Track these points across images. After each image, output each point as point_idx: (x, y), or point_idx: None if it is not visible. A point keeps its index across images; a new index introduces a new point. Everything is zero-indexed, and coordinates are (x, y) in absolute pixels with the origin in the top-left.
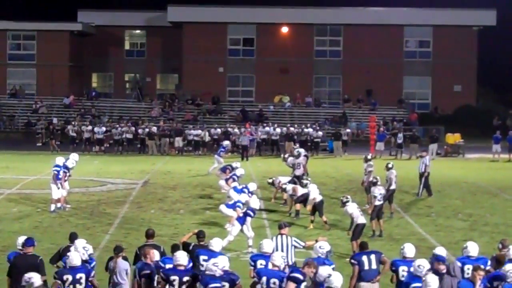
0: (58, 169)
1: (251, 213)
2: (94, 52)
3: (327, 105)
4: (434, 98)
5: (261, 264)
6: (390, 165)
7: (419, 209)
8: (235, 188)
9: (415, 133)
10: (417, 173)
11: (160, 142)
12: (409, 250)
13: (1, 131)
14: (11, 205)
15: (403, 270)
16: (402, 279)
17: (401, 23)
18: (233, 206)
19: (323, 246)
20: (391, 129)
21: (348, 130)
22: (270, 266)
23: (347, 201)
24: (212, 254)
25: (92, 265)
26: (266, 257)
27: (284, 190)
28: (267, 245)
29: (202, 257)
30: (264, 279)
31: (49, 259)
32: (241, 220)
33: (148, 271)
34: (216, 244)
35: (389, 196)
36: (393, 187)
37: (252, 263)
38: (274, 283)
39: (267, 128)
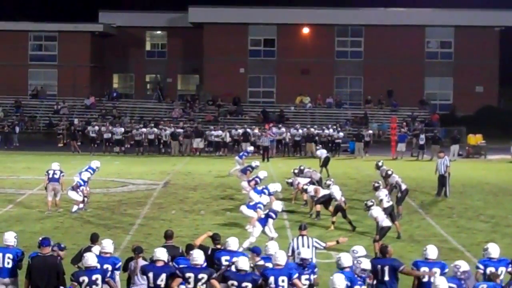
0: (82, 183)
1: (273, 215)
2: (115, 53)
3: (348, 106)
4: (456, 99)
5: (266, 267)
6: (390, 172)
7: (440, 210)
8: (255, 189)
9: (437, 134)
10: (437, 175)
11: (182, 143)
12: (432, 251)
13: (23, 132)
14: (32, 205)
15: (424, 271)
16: (424, 280)
17: (423, 24)
18: (254, 207)
19: (356, 251)
20: (413, 130)
21: (370, 131)
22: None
23: (372, 205)
24: (233, 254)
25: (117, 265)
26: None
27: (305, 191)
28: (273, 248)
29: (224, 258)
30: (271, 279)
31: (70, 260)
32: (263, 221)
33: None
34: (233, 243)
35: (403, 198)
36: (404, 187)
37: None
38: (283, 280)
39: (282, 129)
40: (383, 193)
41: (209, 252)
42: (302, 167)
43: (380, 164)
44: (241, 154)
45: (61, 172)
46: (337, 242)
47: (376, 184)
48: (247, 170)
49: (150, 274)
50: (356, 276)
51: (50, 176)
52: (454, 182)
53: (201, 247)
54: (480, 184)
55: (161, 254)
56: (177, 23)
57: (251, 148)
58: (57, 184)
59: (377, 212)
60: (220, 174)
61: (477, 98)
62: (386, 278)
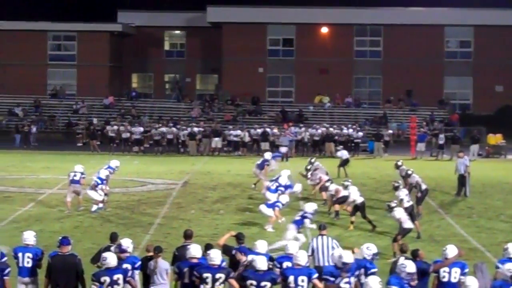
0: (100, 181)
1: (310, 216)
2: (134, 52)
3: (367, 106)
4: (475, 99)
5: (287, 266)
6: (409, 172)
7: (460, 210)
8: (269, 189)
9: (456, 133)
10: (457, 174)
11: (200, 143)
12: (451, 251)
13: (42, 131)
14: (52, 204)
15: (444, 271)
16: (443, 280)
17: (442, 23)
18: (273, 206)
19: (370, 248)
20: (432, 129)
21: (390, 131)
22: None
23: (395, 206)
24: (259, 255)
25: (137, 264)
26: (292, 258)
27: (325, 189)
28: (293, 247)
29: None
30: (291, 278)
31: (90, 259)
32: (298, 223)
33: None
34: (261, 246)
35: (423, 197)
36: (424, 187)
37: (278, 265)
38: (302, 280)
39: (298, 129)
40: (403, 193)
41: (233, 252)
42: (312, 160)
43: (399, 163)
44: (273, 155)
45: (82, 174)
46: (353, 252)
47: (396, 184)
48: (265, 164)
49: (186, 270)
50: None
51: (71, 178)
52: (474, 182)
53: (225, 246)
54: (500, 184)
55: (196, 251)
56: (196, 22)
57: (284, 150)
58: (78, 186)
59: (400, 213)
60: (239, 173)
61: (497, 98)
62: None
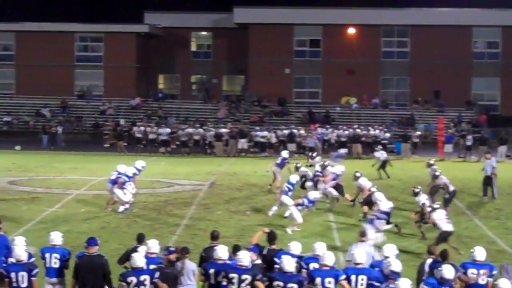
0: (127, 179)
1: (385, 216)
2: (161, 53)
3: (394, 107)
4: (503, 99)
5: (313, 267)
6: (437, 173)
7: (488, 212)
8: (286, 193)
9: (484, 135)
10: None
11: (227, 144)
12: (480, 253)
13: (69, 132)
14: (79, 205)
15: (472, 273)
16: (471, 283)
17: (469, 24)
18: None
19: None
20: (460, 131)
21: (418, 132)
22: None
23: (437, 208)
24: (293, 256)
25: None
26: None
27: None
28: (320, 249)
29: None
30: (318, 280)
31: (117, 260)
32: (371, 222)
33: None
34: (295, 247)
35: (450, 199)
36: (452, 188)
37: (305, 266)
38: (329, 282)
39: (325, 130)
40: (423, 197)
41: (265, 252)
42: (326, 163)
43: (431, 162)
44: (334, 155)
45: (119, 173)
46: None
47: (416, 190)
48: (284, 163)
49: (211, 271)
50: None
51: (110, 177)
52: (501, 183)
53: (257, 246)
54: None
55: (222, 253)
56: (223, 23)
57: (344, 150)
58: (110, 185)
59: (439, 215)
60: (265, 174)
61: None
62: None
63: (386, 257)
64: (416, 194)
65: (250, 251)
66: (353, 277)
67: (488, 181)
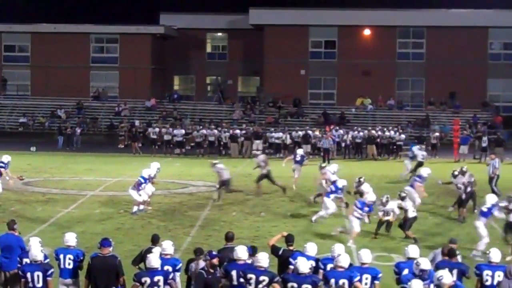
0: (143, 180)
1: (496, 211)
2: (176, 54)
3: (409, 108)
4: None
5: (330, 268)
6: (456, 173)
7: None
8: (327, 194)
9: (500, 136)
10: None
11: (242, 145)
12: (495, 254)
13: (84, 133)
14: (94, 206)
15: (487, 275)
16: (486, 283)
17: (486, 25)
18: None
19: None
20: (475, 132)
21: (437, 134)
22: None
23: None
24: (308, 258)
25: (178, 267)
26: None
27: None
28: (338, 249)
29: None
30: (332, 281)
31: (131, 261)
32: (486, 214)
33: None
34: (311, 249)
35: (467, 200)
36: (469, 189)
37: (322, 267)
38: (343, 283)
39: (340, 132)
40: (409, 204)
41: (281, 252)
42: (361, 179)
43: (464, 169)
44: (299, 160)
45: (143, 177)
46: None
47: (403, 194)
48: (304, 159)
49: (234, 273)
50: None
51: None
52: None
53: (273, 247)
54: None
55: (242, 253)
56: (238, 25)
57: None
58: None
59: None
60: (280, 175)
61: None
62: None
63: (412, 258)
64: (402, 199)
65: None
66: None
67: (489, 181)
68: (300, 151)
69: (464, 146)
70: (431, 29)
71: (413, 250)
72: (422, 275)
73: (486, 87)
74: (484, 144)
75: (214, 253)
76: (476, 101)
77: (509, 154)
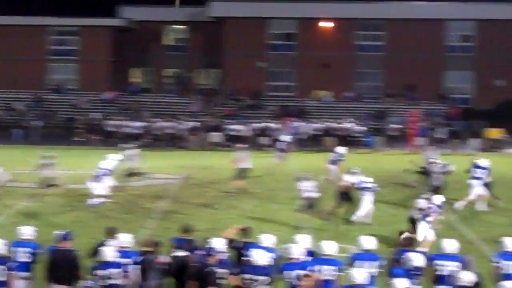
0: (101, 173)
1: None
2: (135, 47)
3: (368, 100)
4: (476, 93)
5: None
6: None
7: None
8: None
9: (456, 128)
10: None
11: (201, 137)
12: (449, 245)
13: (43, 126)
14: (51, 199)
15: (436, 265)
16: (440, 273)
17: (444, 17)
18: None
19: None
20: (432, 124)
21: (394, 126)
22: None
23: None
24: (265, 249)
25: (135, 259)
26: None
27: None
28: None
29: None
30: (286, 273)
31: (87, 253)
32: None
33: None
34: (266, 239)
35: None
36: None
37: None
38: (297, 274)
39: (299, 124)
40: (307, 184)
41: (236, 244)
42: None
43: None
44: (334, 159)
45: (101, 169)
46: None
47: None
48: (338, 160)
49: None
50: None
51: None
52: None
53: (229, 239)
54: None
55: (218, 245)
56: (198, 17)
57: (341, 150)
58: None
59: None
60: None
61: (498, 92)
62: None
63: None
64: (298, 179)
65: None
66: (317, 267)
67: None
68: (339, 149)
69: (421, 137)
70: (389, 21)
71: (367, 242)
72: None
73: (443, 79)
74: (441, 136)
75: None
76: (433, 93)
77: (464, 145)
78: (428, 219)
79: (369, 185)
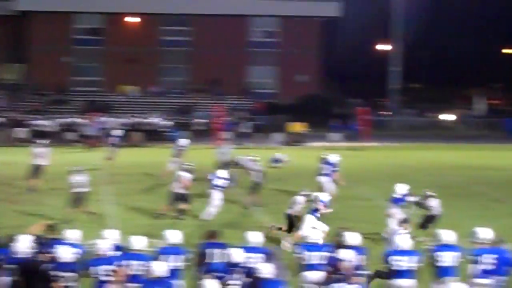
0: None
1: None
2: None
3: (174, 95)
4: (279, 88)
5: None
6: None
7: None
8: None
9: (260, 122)
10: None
11: (4, 133)
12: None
13: None
14: None
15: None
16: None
17: (248, 14)
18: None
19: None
20: (237, 118)
21: (199, 120)
22: None
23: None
24: (70, 245)
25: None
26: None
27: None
28: (107, 235)
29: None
30: (92, 269)
31: None
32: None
33: None
34: (71, 235)
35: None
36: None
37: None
38: (105, 270)
39: (106, 119)
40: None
41: (41, 240)
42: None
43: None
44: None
45: None
46: None
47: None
48: (180, 152)
49: None
50: None
51: None
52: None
53: (36, 235)
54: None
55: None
56: (2, 11)
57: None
58: None
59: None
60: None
61: (300, 87)
62: None
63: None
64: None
65: None
66: (124, 262)
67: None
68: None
69: (225, 132)
70: (195, 17)
71: (173, 236)
72: None
73: (247, 74)
74: (244, 130)
75: None
76: (239, 88)
77: (267, 139)
78: (317, 214)
79: (219, 182)
